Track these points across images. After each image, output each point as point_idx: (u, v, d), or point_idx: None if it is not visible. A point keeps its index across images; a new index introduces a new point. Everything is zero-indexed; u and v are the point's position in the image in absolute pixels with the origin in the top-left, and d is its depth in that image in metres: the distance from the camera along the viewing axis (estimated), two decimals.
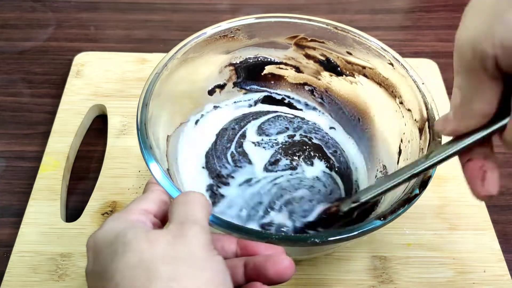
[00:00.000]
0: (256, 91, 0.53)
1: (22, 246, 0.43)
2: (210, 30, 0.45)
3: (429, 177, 0.36)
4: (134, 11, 0.70)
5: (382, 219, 0.33)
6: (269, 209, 0.42)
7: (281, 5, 0.71)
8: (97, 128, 0.55)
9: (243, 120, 0.51)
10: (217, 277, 0.24)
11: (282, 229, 0.41)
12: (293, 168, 0.47)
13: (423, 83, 0.42)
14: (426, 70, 0.59)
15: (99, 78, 0.57)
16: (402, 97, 0.44)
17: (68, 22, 0.68)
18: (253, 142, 0.49)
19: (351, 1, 0.73)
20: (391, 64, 0.44)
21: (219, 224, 0.32)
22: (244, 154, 0.47)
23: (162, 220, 0.30)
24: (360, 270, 0.43)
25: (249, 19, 0.46)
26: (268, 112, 0.52)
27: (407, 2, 0.75)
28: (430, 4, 0.73)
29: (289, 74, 0.52)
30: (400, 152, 0.44)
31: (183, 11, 0.70)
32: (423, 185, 0.35)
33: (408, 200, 0.34)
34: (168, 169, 0.39)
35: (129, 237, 0.25)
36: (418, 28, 0.69)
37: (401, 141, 0.44)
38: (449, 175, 0.49)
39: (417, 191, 0.35)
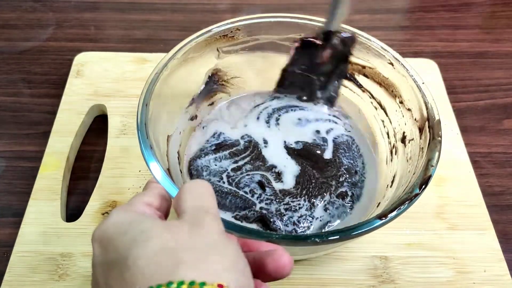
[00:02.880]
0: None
1: (22, 246, 0.43)
2: (210, 30, 0.45)
3: (429, 177, 0.36)
4: (134, 11, 0.70)
5: (382, 218, 0.33)
6: None
7: (281, 5, 0.71)
8: (97, 128, 0.55)
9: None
10: (240, 260, 0.24)
11: None
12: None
13: (423, 83, 0.42)
14: (426, 70, 0.59)
15: (99, 78, 0.57)
16: (402, 97, 0.44)
17: (68, 22, 0.68)
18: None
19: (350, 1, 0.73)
20: (391, 63, 0.44)
21: None
22: None
23: (164, 215, 0.30)
24: (361, 269, 0.43)
25: (249, 19, 0.46)
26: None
27: (406, 2, 0.75)
28: (429, 4, 0.73)
29: None
30: None
31: (183, 11, 0.70)
32: (423, 184, 0.35)
33: (408, 200, 0.34)
34: (168, 169, 0.39)
35: (147, 225, 0.24)
36: (418, 28, 0.69)
37: None
38: (449, 175, 0.49)
39: (417, 191, 0.35)
